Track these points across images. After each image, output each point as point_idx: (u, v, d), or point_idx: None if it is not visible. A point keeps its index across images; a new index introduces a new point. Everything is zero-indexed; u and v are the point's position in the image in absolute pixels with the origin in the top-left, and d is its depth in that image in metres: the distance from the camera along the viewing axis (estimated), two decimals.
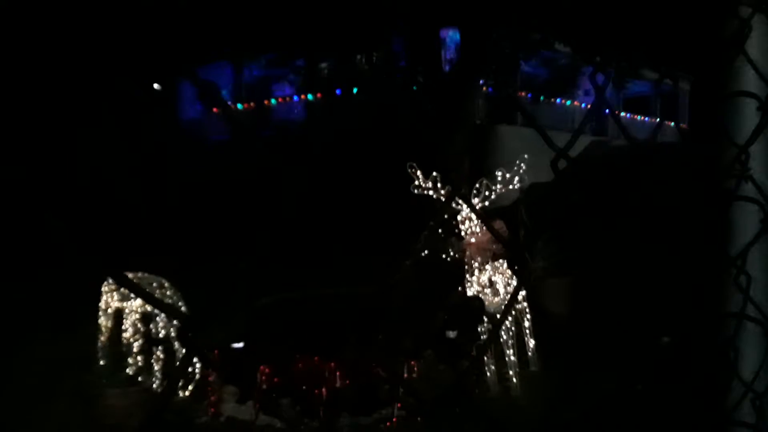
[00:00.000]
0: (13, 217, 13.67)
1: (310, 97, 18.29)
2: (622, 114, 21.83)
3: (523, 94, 17.50)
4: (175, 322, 5.94)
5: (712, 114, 1.04)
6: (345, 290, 6.59)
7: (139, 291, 5.28)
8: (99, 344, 6.29)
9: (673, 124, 19.85)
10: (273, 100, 19.53)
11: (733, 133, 0.98)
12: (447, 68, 13.65)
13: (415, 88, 13.28)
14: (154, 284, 6.00)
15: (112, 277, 6.06)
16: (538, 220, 8.29)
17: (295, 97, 18.86)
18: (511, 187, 6.11)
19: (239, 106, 20.24)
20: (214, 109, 20.49)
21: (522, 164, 6.11)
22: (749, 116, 0.99)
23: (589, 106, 20.26)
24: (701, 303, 1.06)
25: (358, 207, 10.93)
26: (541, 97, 17.88)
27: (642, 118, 21.69)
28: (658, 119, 22.44)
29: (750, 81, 0.99)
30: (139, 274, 6.09)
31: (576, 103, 19.44)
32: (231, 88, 20.88)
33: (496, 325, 4.87)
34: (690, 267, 1.11)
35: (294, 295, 6.85)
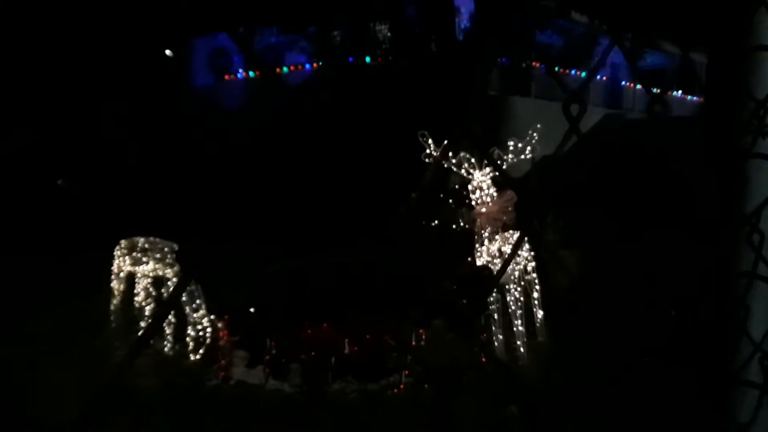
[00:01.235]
0: (27, 182, 13.79)
1: (322, 64, 18.14)
2: (638, 86, 21.53)
3: (537, 64, 17.26)
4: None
5: (731, 70, 1.02)
6: (355, 258, 6.61)
7: None
8: (111, 308, 6.36)
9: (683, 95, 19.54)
10: (285, 68, 19.39)
11: (751, 88, 0.96)
12: (461, 37, 13.47)
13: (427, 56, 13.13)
14: (166, 249, 6.04)
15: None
16: (549, 192, 8.24)
17: (307, 65, 18.72)
18: (522, 157, 6.05)
19: (251, 73, 20.14)
20: (227, 77, 20.42)
21: (534, 134, 6.04)
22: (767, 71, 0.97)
23: (605, 78, 19.99)
24: (712, 264, 1.05)
25: (370, 175, 10.90)
26: (556, 68, 17.63)
27: (658, 90, 21.37)
28: (675, 92, 22.10)
29: None
30: (151, 239, 6.12)
31: None
32: (242, 55, 20.75)
33: (496, 279, 4.85)
34: (703, 233, 1.09)
35: (303, 262, 6.89)
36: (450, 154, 6.07)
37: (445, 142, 6.11)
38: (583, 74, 18.68)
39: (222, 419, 4.77)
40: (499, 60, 15.41)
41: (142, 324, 5.99)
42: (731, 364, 1.00)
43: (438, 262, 7.17)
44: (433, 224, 8.36)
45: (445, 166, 6.10)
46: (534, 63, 16.67)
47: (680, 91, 22.31)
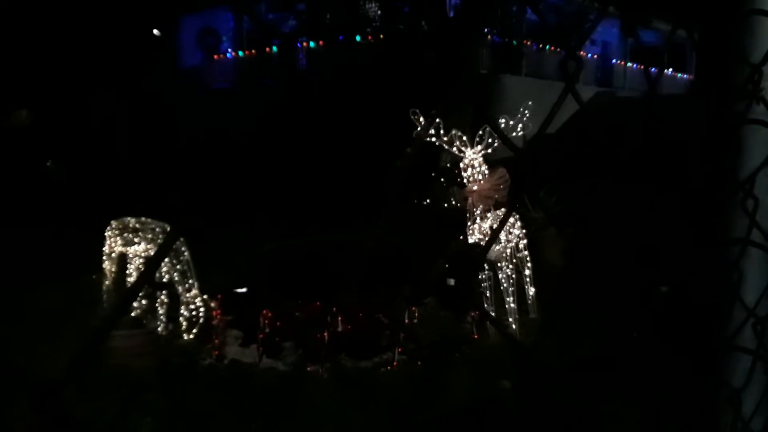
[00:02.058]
0: (19, 164, 13.68)
1: (312, 44, 18.00)
2: (629, 64, 21.49)
3: (528, 42, 17.18)
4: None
5: (726, 34, 1.01)
6: (347, 236, 6.61)
7: None
8: (103, 288, 6.35)
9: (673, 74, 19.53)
10: (274, 48, 19.22)
11: (746, 53, 0.96)
12: (451, 14, 13.37)
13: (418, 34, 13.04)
14: (157, 229, 6.02)
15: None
16: (541, 169, 8.24)
17: (297, 44, 18.55)
18: (514, 134, 6.04)
19: (240, 53, 19.93)
20: (215, 56, 20.21)
21: (526, 112, 6.03)
22: (764, 35, 0.96)
23: (596, 57, 19.94)
24: (706, 229, 1.05)
25: (361, 154, 10.87)
26: (547, 47, 17.56)
27: (650, 68, 21.35)
28: (666, 69, 22.06)
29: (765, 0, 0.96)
30: (142, 219, 6.09)
31: (582, 53, 19.11)
32: (232, 35, 20.53)
33: (483, 254, 4.85)
34: (696, 200, 1.09)
35: (296, 242, 6.89)
36: (441, 131, 6.05)
37: (430, 119, 6.08)
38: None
39: (216, 398, 4.78)
40: (489, 38, 15.33)
41: (135, 304, 5.97)
42: (724, 329, 1.01)
43: (430, 239, 7.18)
44: (424, 202, 8.37)
45: (436, 143, 6.08)
46: (525, 41, 16.60)
47: (671, 69, 22.29)
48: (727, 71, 1.00)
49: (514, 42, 15.83)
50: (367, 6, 14.75)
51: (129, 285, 6.13)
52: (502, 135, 0.79)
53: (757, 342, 1.00)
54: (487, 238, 6.01)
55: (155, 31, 20.30)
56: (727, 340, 1.01)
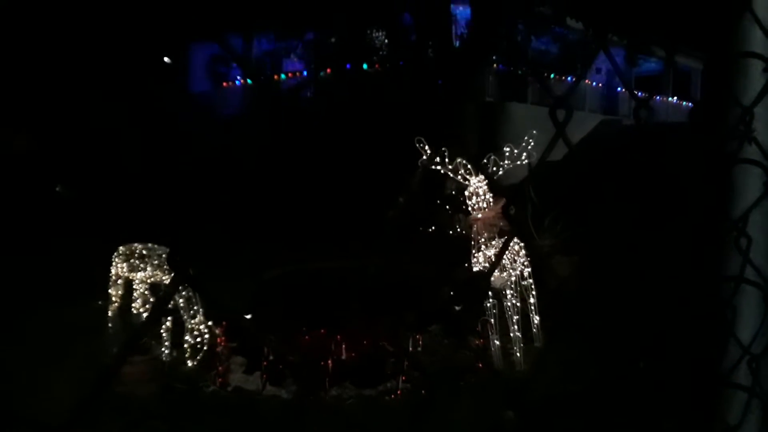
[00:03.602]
0: (27, 188, 13.79)
1: (320, 72, 18.21)
2: (635, 92, 21.60)
3: (532, 77, 17.33)
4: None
5: (719, 75, 1.04)
6: (352, 263, 6.62)
7: None
8: (109, 314, 6.36)
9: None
10: (282, 75, 19.46)
11: (738, 94, 0.98)
12: (457, 44, 13.52)
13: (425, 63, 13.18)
14: (163, 255, 6.04)
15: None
16: (546, 197, 8.27)
17: (305, 72, 18.78)
18: (519, 163, 6.08)
19: (249, 80, 20.17)
20: (224, 84, 20.47)
21: (530, 140, 6.07)
22: (755, 77, 0.98)
23: (600, 85, 20.08)
24: (701, 265, 1.07)
25: (367, 182, 10.93)
26: (552, 75, 17.70)
27: (653, 97, 21.46)
28: (669, 98, 22.19)
29: (757, 42, 0.98)
30: (148, 245, 6.13)
31: (587, 81, 19.25)
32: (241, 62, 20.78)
33: (485, 280, 4.84)
34: (694, 237, 1.11)
35: (301, 268, 6.89)
36: (446, 159, 6.09)
37: (434, 148, 6.12)
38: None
39: (219, 425, 4.76)
40: (495, 67, 15.47)
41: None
42: (720, 366, 1.02)
43: (434, 267, 7.18)
44: (429, 230, 8.39)
45: (441, 171, 6.12)
46: (529, 75, 16.75)
47: (675, 98, 22.40)
48: (719, 111, 1.02)
49: (520, 71, 15.97)
50: (374, 35, 14.94)
51: (136, 316, 6.14)
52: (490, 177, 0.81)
53: (752, 379, 1.01)
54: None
55: (166, 59, 20.61)
56: (722, 377, 1.02)
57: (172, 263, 0.51)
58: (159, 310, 4.85)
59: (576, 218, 7.86)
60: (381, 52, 14.90)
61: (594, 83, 19.53)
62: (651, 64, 19.96)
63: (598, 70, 19.53)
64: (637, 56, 15.45)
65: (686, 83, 22.13)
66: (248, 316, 5.90)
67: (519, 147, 6.11)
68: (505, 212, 0.75)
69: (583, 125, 16.80)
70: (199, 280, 0.52)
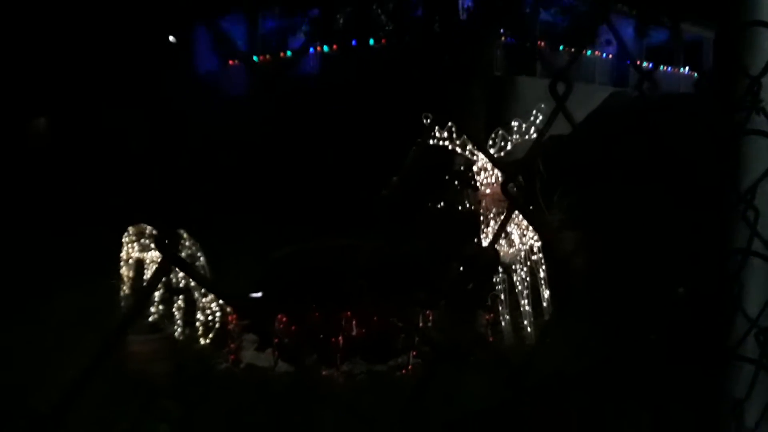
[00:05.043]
0: (36, 172, 13.87)
1: (325, 48, 18.07)
2: (644, 63, 21.31)
3: (542, 44, 17.10)
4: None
5: (727, 45, 1.01)
6: (361, 241, 6.63)
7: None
8: (120, 294, 6.42)
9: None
10: (288, 53, 19.31)
11: (746, 64, 0.96)
12: (464, 17, 13.35)
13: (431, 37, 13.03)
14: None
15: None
16: (555, 171, 8.21)
17: (311, 49, 18.63)
18: (527, 137, 6.04)
19: (255, 58, 20.05)
20: (230, 62, 20.36)
21: (539, 114, 6.02)
22: (763, 47, 0.96)
23: (610, 56, 19.81)
24: (709, 239, 1.06)
25: (375, 158, 10.89)
26: (561, 47, 17.46)
27: (665, 67, 21.17)
28: (680, 68, 21.88)
29: (765, 11, 0.96)
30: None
31: (597, 53, 18.99)
32: (246, 40, 20.67)
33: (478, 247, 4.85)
34: (703, 210, 1.10)
35: (310, 246, 6.91)
36: (454, 135, 6.06)
37: (441, 124, 6.09)
38: (588, 52, 18.53)
39: (232, 402, 4.82)
40: (503, 40, 15.29)
41: (152, 309, 6.03)
42: (727, 339, 1.01)
43: (443, 244, 7.18)
44: (438, 206, 8.37)
45: (450, 147, 6.09)
46: (539, 43, 16.52)
47: (687, 68, 22.08)
48: (727, 82, 1.00)
49: (528, 44, 15.76)
50: (379, 10, 14.77)
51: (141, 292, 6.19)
52: (489, 154, 0.80)
53: (759, 352, 1.00)
54: (501, 241, 6.00)
55: (171, 38, 20.50)
56: (729, 351, 1.01)
57: (160, 246, 0.51)
58: (147, 296, 4.90)
59: (585, 192, 7.82)
60: (387, 28, 14.74)
61: (604, 55, 19.26)
62: (662, 35, 19.62)
63: (608, 42, 19.23)
64: (646, 27, 15.19)
65: (698, 53, 21.78)
66: (257, 295, 5.94)
67: (527, 122, 6.06)
68: (504, 190, 0.74)
69: (593, 97, 16.63)
70: (187, 263, 0.52)
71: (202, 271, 6.10)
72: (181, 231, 6.14)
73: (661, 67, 20.84)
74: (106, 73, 16.71)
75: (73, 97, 16.83)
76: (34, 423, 0.37)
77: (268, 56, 19.59)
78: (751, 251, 0.98)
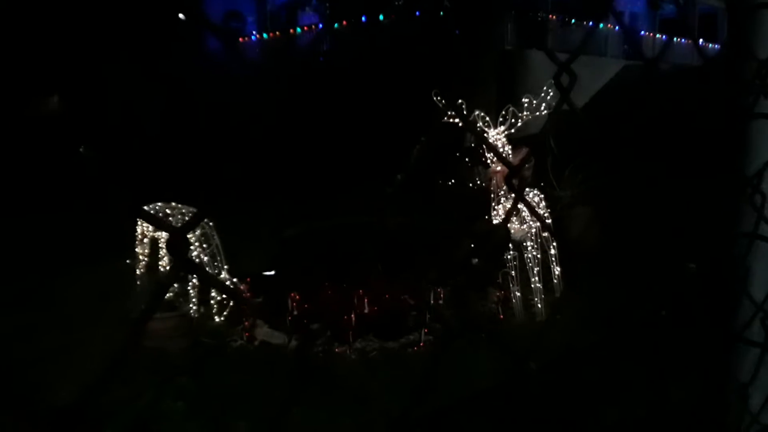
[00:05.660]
0: (52, 150, 13.96)
1: (335, 25, 17.93)
2: (658, 36, 20.98)
3: (554, 17, 16.87)
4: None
5: (736, 28, 1.01)
6: (372, 219, 6.65)
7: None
8: (137, 273, 6.50)
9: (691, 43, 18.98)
10: (298, 29, 19.19)
11: (754, 47, 0.96)
12: None
13: (441, 12, 12.89)
14: (188, 214, 6.12)
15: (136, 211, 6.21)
16: (566, 147, 8.16)
17: (320, 25, 18.50)
18: (538, 114, 5.99)
19: (264, 35, 19.95)
20: (240, 39, 20.27)
21: (550, 90, 5.96)
22: None
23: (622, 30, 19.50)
24: (716, 222, 1.06)
25: (385, 135, 10.86)
26: (572, 20, 17.22)
27: (678, 39, 20.82)
28: (697, 40, 21.50)
29: None
30: (172, 204, 6.20)
31: (609, 26, 18.71)
32: (255, 16, 20.55)
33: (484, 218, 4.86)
34: (712, 189, 1.10)
35: (322, 225, 6.95)
36: (464, 112, 6.02)
37: (451, 100, 6.05)
38: (600, 25, 18.24)
39: (247, 378, 4.89)
40: (513, 12, 15.10)
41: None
42: (733, 323, 1.02)
43: (455, 220, 7.19)
44: (449, 183, 8.36)
45: (460, 124, 6.06)
46: (550, 15, 16.30)
47: (701, 40, 21.71)
48: (736, 65, 1.00)
49: (539, 17, 15.56)
50: None
51: (162, 272, 6.26)
52: (483, 138, 0.80)
53: (765, 335, 1.01)
54: (512, 219, 5.99)
55: (181, 15, 20.39)
56: (736, 333, 1.02)
57: (171, 249, 0.52)
58: (161, 297, 4.93)
59: (596, 167, 7.76)
60: (397, 2, 14.60)
61: (616, 28, 18.97)
62: (673, 6, 19.28)
63: (620, 13, 18.93)
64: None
65: (712, 25, 21.40)
66: (271, 273, 6.00)
67: (539, 97, 6.00)
68: (507, 182, 0.74)
69: (606, 71, 16.42)
70: (197, 265, 0.53)
71: (215, 250, 6.16)
72: (193, 210, 6.18)
73: (675, 39, 20.48)
74: (118, 48, 16.69)
75: (84, 73, 16.85)
76: (56, 417, 0.39)
77: (277, 33, 19.48)
78: (757, 235, 0.98)
